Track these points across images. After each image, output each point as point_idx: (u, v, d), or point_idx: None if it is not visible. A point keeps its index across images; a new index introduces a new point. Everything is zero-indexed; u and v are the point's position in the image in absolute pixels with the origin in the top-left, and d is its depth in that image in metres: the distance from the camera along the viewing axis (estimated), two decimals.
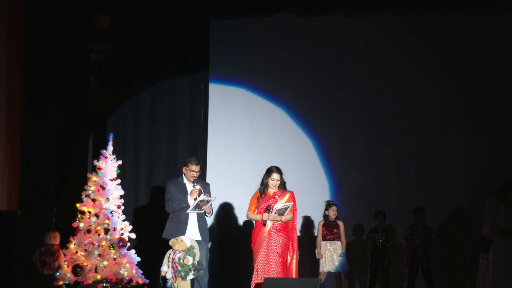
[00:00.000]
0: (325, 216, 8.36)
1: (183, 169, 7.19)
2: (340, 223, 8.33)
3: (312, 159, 9.29)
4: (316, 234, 8.49)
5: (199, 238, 7.10)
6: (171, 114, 9.33)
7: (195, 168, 7.11)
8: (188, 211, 7.03)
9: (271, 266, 7.00)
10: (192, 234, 7.11)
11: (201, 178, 7.61)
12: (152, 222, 8.70)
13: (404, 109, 9.08)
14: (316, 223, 8.92)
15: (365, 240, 8.79)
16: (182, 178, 7.23)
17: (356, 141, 9.23)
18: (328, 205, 8.41)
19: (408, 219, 8.67)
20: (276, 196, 7.09)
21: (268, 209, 7.00)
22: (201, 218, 7.16)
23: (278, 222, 7.07)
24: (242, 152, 9.34)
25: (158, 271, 6.90)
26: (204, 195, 6.99)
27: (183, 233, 7.03)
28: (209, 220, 7.81)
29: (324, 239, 8.29)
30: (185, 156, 8.65)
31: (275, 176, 7.07)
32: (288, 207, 6.96)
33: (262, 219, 7.01)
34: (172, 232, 6.99)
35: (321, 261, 8.22)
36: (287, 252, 7.14)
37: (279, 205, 6.95)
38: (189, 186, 7.19)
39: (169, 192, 7.13)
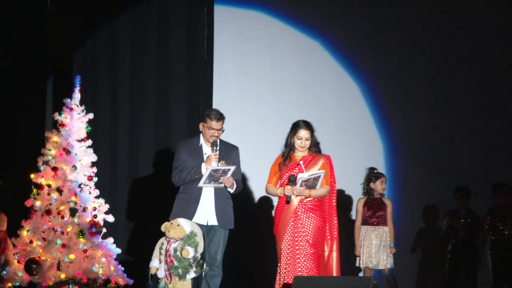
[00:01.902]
0: (368, 192, 8.29)
1: (200, 126, 7.19)
2: (387, 202, 8.26)
3: (360, 112, 9.47)
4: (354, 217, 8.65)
5: (215, 223, 7.14)
6: (161, 49, 9.40)
7: (216, 124, 7.11)
8: (200, 184, 7.04)
9: (299, 260, 6.99)
10: (204, 217, 7.12)
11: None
12: (139, 199, 8.86)
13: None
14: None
15: (439, 227, 8.96)
16: (199, 138, 7.24)
17: (422, 91, 9.52)
18: (373, 176, 8.29)
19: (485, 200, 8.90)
20: (301, 162, 7.10)
21: (291, 180, 6.96)
22: (221, 195, 7.17)
23: (308, 199, 7.08)
24: (260, 102, 9.56)
25: (146, 267, 6.76)
26: (220, 162, 7.00)
27: (192, 215, 7.04)
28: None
29: (364, 222, 8.22)
30: (180, 108, 8.93)
31: (303, 133, 7.09)
32: (320, 176, 6.93)
33: (285, 195, 7.00)
34: (179, 213, 7.01)
35: (361, 254, 8.28)
36: (323, 240, 7.12)
37: (305, 174, 6.94)
38: (207, 150, 7.21)
39: (178, 157, 7.17)
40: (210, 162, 7.04)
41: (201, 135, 7.22)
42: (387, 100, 9.55)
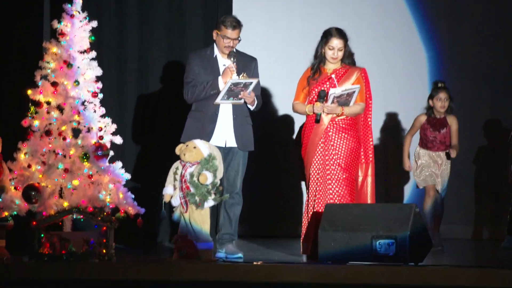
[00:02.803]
0: (429, 109, 8.36)
1: (214, 35, 7.26)
2: (452, 120, 8.32)
3: (400, 17, 9.60)
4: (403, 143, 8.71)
5: (235, 145, 7.27)
6: None
7: (232, 33, 7.17)
8: (218, 100, 7.14)
9: (331, 186, 7.10)
10: (222, 138, 7.25)
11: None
12: (150, 118, 8.95)
13: None
14: (403, 122, 9.22)
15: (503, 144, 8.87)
16: (213, 49, 7.32)
17: None
18: (436, 89, 8.29)
19: None
20: (333, 76, 7.16)
21: (322, 96, 7.05)
22: (240, 114, 7.28)
23: (341, 117, 7.13)
24: (287, 7, 9.63)
25: (159, 194, 6.98)
26: (241, 75, 7.04)
27: (209, 136, 7.18)
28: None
29: (424, 145, 8.30)
30: (195, 14, 9.00)
31: (336, 42, 7.14)
32: (354, 92, 7.01)
33: (314, 112, 7.10)
34: (194, 135, 7.14)
35: (418, 175, 8.33)
36: (357, 164, 7.22)
37: (338, 89, 7.01)
38: (223, 62, 7.26)
39: (190, 71, 7.27)
40: (229, 75, 7.09)
41: (214, 45, 7.29)
42: (433, 4, 9.63)
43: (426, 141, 8.31)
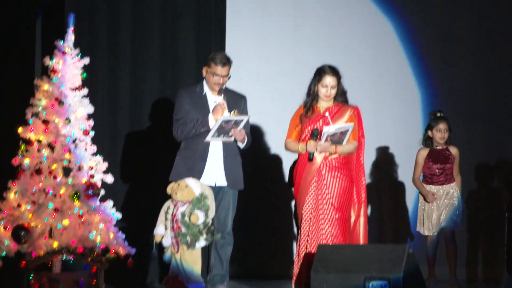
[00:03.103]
0: (427, 140, 8.13)
1: (203, 71, 7.31)
2: (454, 150, 8.10)
3: (394, 55, 9.47)
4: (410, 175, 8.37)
5: (224, 183, 7.24)
6: None
7: (222, 70, 7.19)
8: (208, 138, 7.14)
9: (324, 226, 7.08)
10: (212, 177, 7.22)
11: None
12: (142, 156, 8.92)
13: None
14: (397, 158, 9.18)
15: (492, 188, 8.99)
16: (202, 86, 7.34)
17: (467, 31, 9.51)
18: (435, 119, 8.08)
19: None
20: (327, 114, 7.16)
21: (315, 135, 7.04)
22: (230, 152, 7.26)
23: (333, 156, 7.11)
24: (279, 44, 9.50)
25: (150, 235, 7.01)
26: (232, 112, 7.05)
27: (199, 175, 7.15)
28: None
29: (428, 180, 8.07)
30: (188, 50, 8.93)
31: (329, 80, 7.15)
32: (347, 130, 7.00)
33: (307, 151, 7.08)
34: (183, 173, 7.11)
35: (422, 218, 8.11)
36: (350, 204, 7.21)
37: (331, 127, 7.01)
38: (212, 99, 7.28)
39: (180, 108, 7.27)
40: (219, 112, 7.08)
41: (204, 82, 7.30)
42: (426, 41, 9.51)
43: (431, 175, 8.08)
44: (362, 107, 7.31)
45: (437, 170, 8.02)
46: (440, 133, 7.99)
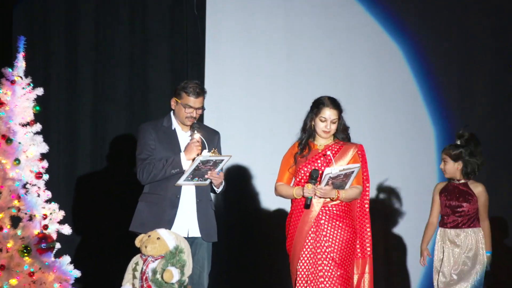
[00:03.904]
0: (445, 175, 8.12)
1: (172, 103, 7.32)
2: (477, 188, 7.91)
3: (403, 85, 9.74)
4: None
5: (197, 234, 7.25)
6: (136, 1, 9.59)
7: (195, 101, 7.24)
8: (181, 182, 7.14)
9: (323, 286, 7.01)
10: (184, 227, 7.23)
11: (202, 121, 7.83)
12: (107, 203, 8.99)
13: None
14: (406, 205, 9.04)
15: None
16: (170, 119, 7.37)
17: (486, 57, 9.76)
18: (452, 149, 7.92)
19: None
20: (328, 152, 7.10)
21: (314, 177, 6.99)
22: (204, 197, 7.31)
23: (334, 202, 7.06)
24: (268, 73, 9.75)
25: None
26: (210, 151, 7.07)
27: (169, 225, 7.13)
28: None
29: (442, 223, 7.96)
30: (161, 80, 9.24)
31: (329, 113, 7.13)
32: (353, 172, 6.96)
33: (304, 196, 7.03)
34: (148, 223, 7.14)
35: (439, 268, 7.97)
36: (353, 259, 7.17)
37: (335, 168, 6.95)
38: (183, 135, 7.32)
39: (144, 145, 7.29)
40: (194, 151, 7.10)
41: (172, 115, 7.33)
42: (440, 70, 9.80)
43: (443, 216, 7.98)
44: (367, 146, 7.32)
45: (448, 209, 7.94)
46: (444, 165, 7.93)
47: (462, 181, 7.88)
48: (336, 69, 9.72)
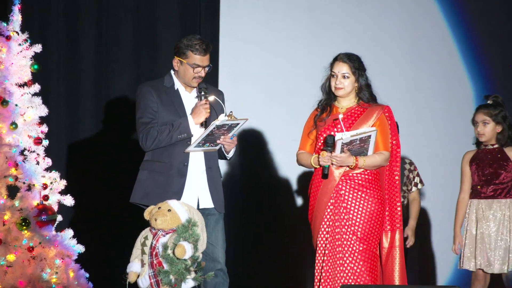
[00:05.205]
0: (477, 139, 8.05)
1: (175, 63, 7.28)
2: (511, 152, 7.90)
3: (439, 38, 9.79)
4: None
5: (210, 205, 7.25)
6: None
7: (203, 59, 7.20)
8: (191, 148, 7.16)
9: (343, 262, 7.11)
10: (194, 198, 7.22)
11: (210, 81, 7.67)
12: (113, 170, 9.00)
13: None
14: (439, 175, 8.85)
15: None
16: (171, 79, 7.33)
17: None
18: (476, 109, 8.02)
19: None
20: (340, 116, 7.17)
21: (329, 144, 7.03)
22: (213, 164, 7.31)
23: (357, 171, 7.13)
24: (288, 26, 9.76)
25: (122, 273, 6.82)
26: (226, 115, 7.03)
27: (178, 196, 7.12)
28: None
29: (475, 194, 7.97)
30: (170, 38, 9.10)
31: (338, 67, 7.24)
32: (369, 137, 7.01)
33: (320, 165, 7.09)
34: (152, 194, 7.13)
35: (466, 249, 8.03)
36: (379, 232, 7.21)
37: (345, 134, 7.01)
38: (187, 96, 7.31)
39: (145, 108, 7.24)
40: (203, 114, 7.10)
41: (173, 75, 7.29)
42: (480, 25, 9.87)
43: (474, 186, 7.96)
44: (395, 109, 7.34)
45: (483, 178, 7.91)
46: (476, 128, 7.92)
47: (496, 146, 7.89)
48: (364, 23, 9.78)
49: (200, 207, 7.15)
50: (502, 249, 7.91)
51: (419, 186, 8.30)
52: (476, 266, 7.93)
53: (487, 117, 7.87)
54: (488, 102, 8.00)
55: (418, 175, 8.34)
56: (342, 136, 6.95)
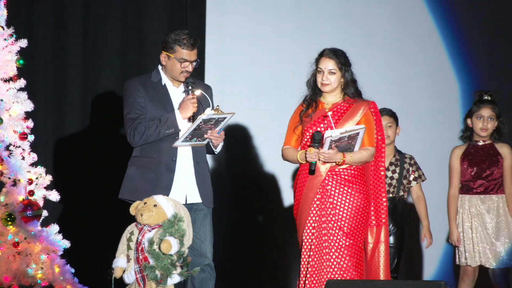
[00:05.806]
0: (466, 132, 8.09)
1: (162, 59, 7.26)
2: (504, 149, 7.95)
3: (426, 35, 9.78)
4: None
5: (198, 200, 7.24)
6: None
7: (191, 54, 7.21)
8: (178, 143, 7.15)
9: (329, 257, 7.11)
10: (182, 193, 7.21)
11: (196, 76, 7.62)
12: (99, 165, 8.98)
13: None
14: (426, 169, 8.77)
15: None
16: (159, 74, 7.32)
17: None
18: (478, 102, 8.00)
19: None
20: (329, 113, 7.15)
21: (317, 140, 7.03)
22: (201, 158, 7.30)
23: (343, 166, 7.11)
24: (276, 20, 9.72)
25: (107, 268, 6.79)
26: (212, 109, 7.00)
27: (166, 191, 7.11)
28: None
29: (466, 189, 8.01)
30: (157, 33, 9.11)
31: (324, 63, 7.21)
32: (358, 134, 7.00)
33: (307, 161, 7.07)
34: (141, 189, 7.10)
35: (463, 246, 8.06)
36: (365, 228, 7.22)
37: (335, 131, 6.97)
38: (175, 91, 7.29)
39: (133, 103, 7.21)
40: (190, 109, 7.08)
41: (160, 70, 7.27)
42: (466, 20, 9.80)
43: (466, 182, 7.97)
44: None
45: (473, 174, 7.93)
46: (481, 122, 7.89)
47: (488, 141, 7.90)
48: (350, 18, 9.70)
49: (188, 202, 7.14)
50: (500, 243, 7.95)
51: (419, 180, 8.20)
52: (476, 263, 7.94)
53: (494, 112, 7.89)
54: (486, 98, 7.98)
55: (418, 169, 8.26)
56: (332, 134, 6.94)
